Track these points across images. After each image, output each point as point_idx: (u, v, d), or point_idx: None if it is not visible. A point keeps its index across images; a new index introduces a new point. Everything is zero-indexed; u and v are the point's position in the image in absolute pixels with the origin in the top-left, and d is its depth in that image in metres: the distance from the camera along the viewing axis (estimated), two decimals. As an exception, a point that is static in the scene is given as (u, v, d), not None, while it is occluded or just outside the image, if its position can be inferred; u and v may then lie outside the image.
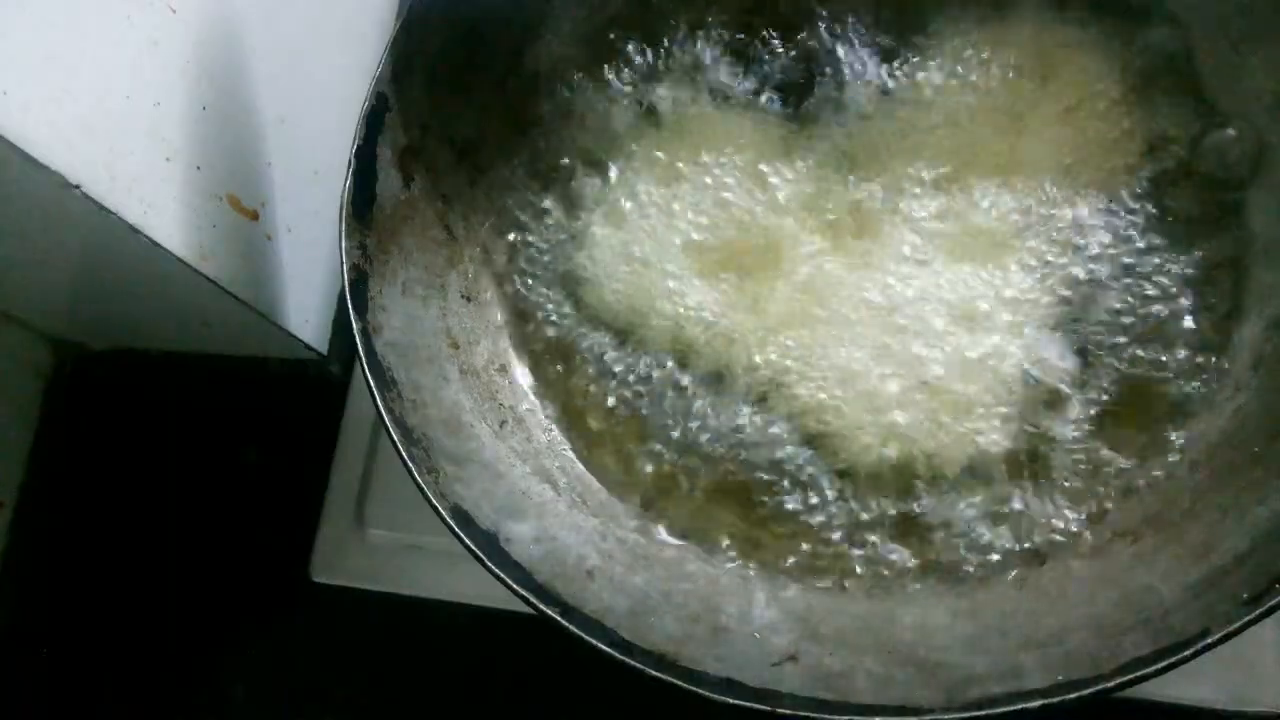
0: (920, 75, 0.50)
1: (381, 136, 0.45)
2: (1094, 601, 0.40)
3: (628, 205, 0.51)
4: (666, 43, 0.53)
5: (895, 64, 0.51)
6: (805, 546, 0.45)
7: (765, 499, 0.46)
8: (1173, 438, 0.44)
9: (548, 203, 0.52)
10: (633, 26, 0.53)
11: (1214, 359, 0.45)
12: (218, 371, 0.59)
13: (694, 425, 0.48)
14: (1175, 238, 0.47)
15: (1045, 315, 0.46)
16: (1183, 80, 0.48)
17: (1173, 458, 0.44)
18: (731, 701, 0.37)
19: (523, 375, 0.50)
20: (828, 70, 0.51)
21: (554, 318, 0.50)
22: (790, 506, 0.46)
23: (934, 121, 0.50)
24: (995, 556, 0.44)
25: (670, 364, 0.49)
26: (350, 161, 0.44)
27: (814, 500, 0.46)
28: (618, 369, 0.49)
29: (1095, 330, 0.46)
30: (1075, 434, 0.45)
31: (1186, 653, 0.34)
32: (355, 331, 0.42)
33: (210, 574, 0.56)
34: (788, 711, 0.36)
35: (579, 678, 0.49)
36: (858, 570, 0.44)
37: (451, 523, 0.39)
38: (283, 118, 0.53)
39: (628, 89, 0.52)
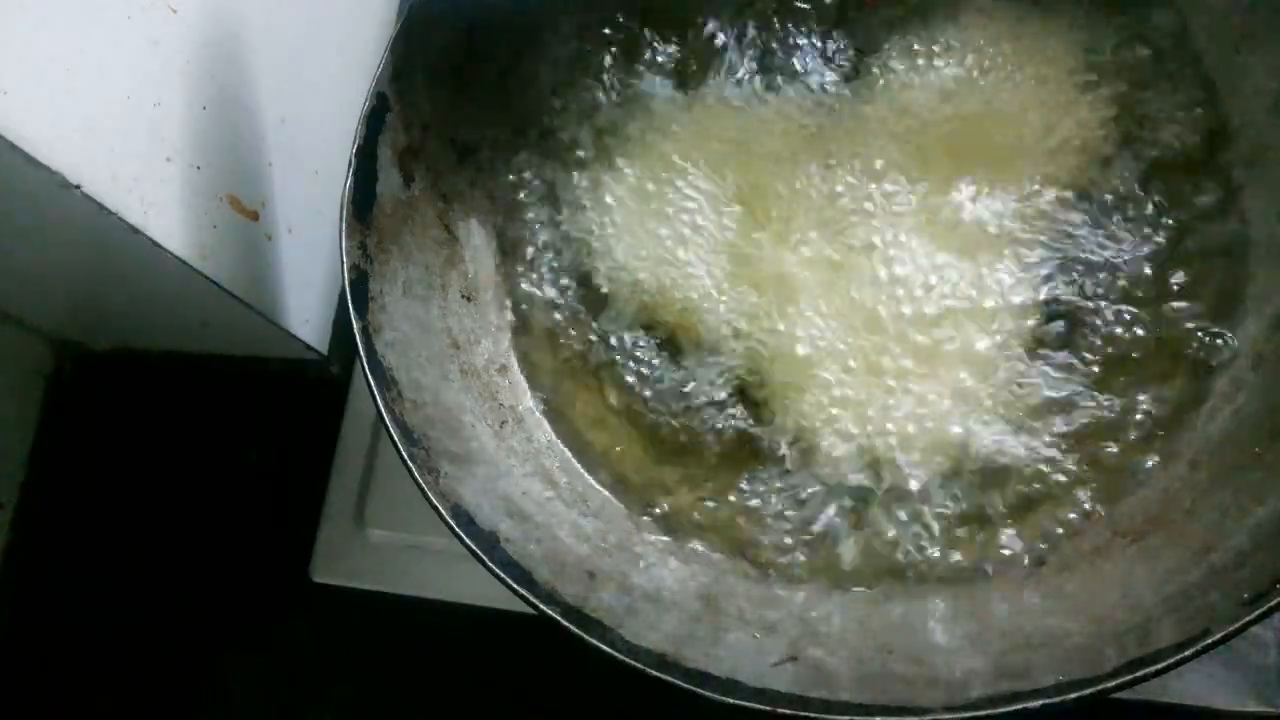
0: (906, 66, 0.50)
1: (382, 136, 0.45)
2: (1094, 601, 0.40)
3: (627, 202, 0.51)
4: (665, 41, 0.53)
5: (876, 56, 0.51)
6: (807, 547, 0.45)
7: (768, 500, 0.46)
8: (1173, 437, 0.44)
9: (547, 202, 0.52)
10: (631, 25, 0.53)
11: (1213, 358, 0.45)
12: (218, 371, 0.59)
13: (696, 425, 0.47)
14: (1174, 237, 0.47)
15: (1038, 313, 0.46)
16: (1182, 80, 0.48)
17: (1173, 458, 0.44)
18: (731, 701, 0.37)
19: (523, 375, 0.50)
20: (821, 64, 0.51)
21: (555, 317, 0.50)
22: (795, 508, 0.46)
23: (920, 114, 0.50)
24: (995, 556, 0.44)
25: (671, 361, 0.49)
26: (350, 161, 0.44)
27: (815, 501, 0.46)
28: (619, 367, 0.49)
29: (1091, 328, 0.46)
30: (1073, 433, 0.45)
31: (1186, 653, 0.34)
32: (355, 331, 0.42)
33: (210, 574, 0.56)
34: (788, 711, 0.36)
35: (579, 678, 0.49)
36: (858, 570, 0.44)
37: (451, 523, 0.39)
38: (283, 118, 0.53)
39: (626, 87, 0.52)
